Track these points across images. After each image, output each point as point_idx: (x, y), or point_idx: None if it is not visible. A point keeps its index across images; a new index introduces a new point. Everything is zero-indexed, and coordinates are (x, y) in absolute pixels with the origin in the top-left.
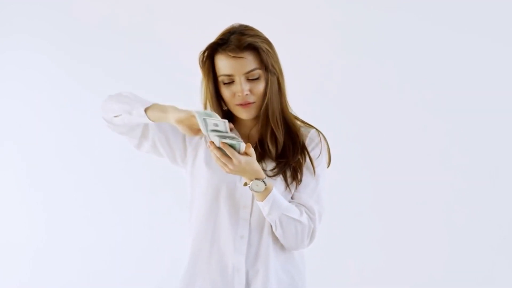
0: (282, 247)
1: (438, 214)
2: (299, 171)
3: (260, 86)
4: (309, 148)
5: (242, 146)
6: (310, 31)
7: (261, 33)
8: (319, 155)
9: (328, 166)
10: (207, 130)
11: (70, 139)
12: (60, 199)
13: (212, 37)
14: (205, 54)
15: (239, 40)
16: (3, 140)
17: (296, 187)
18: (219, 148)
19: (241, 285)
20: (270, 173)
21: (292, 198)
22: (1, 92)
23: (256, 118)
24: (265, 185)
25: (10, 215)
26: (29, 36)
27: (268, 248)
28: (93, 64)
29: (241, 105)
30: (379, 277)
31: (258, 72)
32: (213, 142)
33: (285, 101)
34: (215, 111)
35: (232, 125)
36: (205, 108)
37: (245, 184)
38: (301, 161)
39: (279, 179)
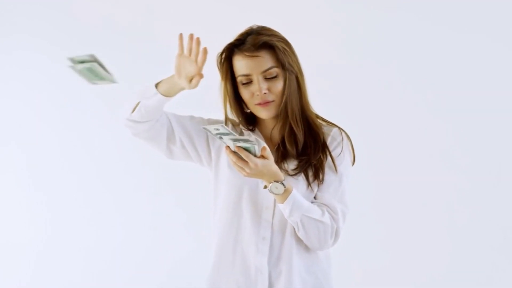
0: (306, 248)
1: (439, 215)
2: (321, 170)
3: (278, 85)
4: (331, 147)
5: (258, 148)
6: (310, 31)
7: (278, 33)
8: (340, 153)
9: (353, 164)
10: (215, 136)
11: (71, 140)
12: (62, 200)
13: (213, 37)
14: (223, 55)
15: (255, 39)
16: (4, 140)
17: (318, 186)
18: (235, 152)
19: (264, 286)
20: (292, 172)
21: (315, 198)
22: (2, 92)
23: (277, 117)
24: (284, 187)
25: (12, 215)
26: (29, 36)
27: (291, 249)
28: None
29: (260, 104)
30: (381, 278)
31: (276, 70)
32: (228, 147)
33: (306, 99)
34: (235, 113)
35: (248, 131)
36: (225, 110)
37: (265, 187)
38: (323, 159)
39: (301, 178)
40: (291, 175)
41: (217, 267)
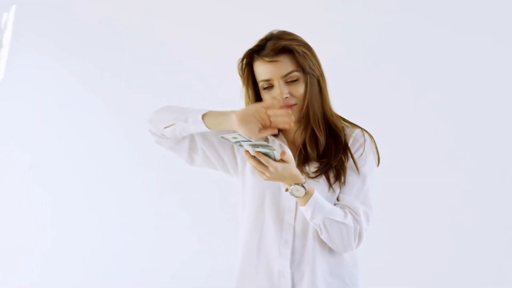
0: (330, 251)
1: (443, 216)
2: (342, 171)
3: (299, 88)
4: (353, 148)
5: (277, 153)
6: (310, 32)
7: (299, 37)
8: (362, 154)
9: (378, 165)
10: (235, 144)
11: (75, 141)
12: (66, 201)
13: (214, 37)
14: (244, 61)
15: (274, 44)
16: (8, 141)
17: (340, 188)
18: (255, 157)
19: None
20: (313, 175)
21: (337, 199)
22: (5, 93)
23: (299, 121)
24: (305, 189)
25: (16, 217)
26: (34, 37)
27: (314, 252)
28: (97, 64)
29: (281, 108)
30: (384, 279)
31: (296, 74)
32: (248, 151)
33: (327, 102)
34: None
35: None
36: None
37: (286, 190)
38: (344, 161)
39: (322, 180)
40: (312, 178)
41: (243, 270)
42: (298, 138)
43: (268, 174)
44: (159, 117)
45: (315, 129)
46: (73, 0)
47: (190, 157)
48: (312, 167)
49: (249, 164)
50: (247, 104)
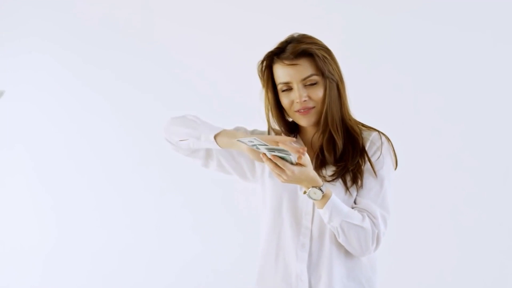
0: (348, 254)
1: (446, 216)
2: (359, 175)
3: (318, 92)
4: (370, 152)
5: (293, 157)
6: (311, 32)
7: (319, 41)
8: (379, 157)
9: (395, 168)
10: (252, 148)
11: (79, 142)
12: (70, 202)
13: (215, 37)
14: (263, 64)
15: (294, 47)
16: (12, 142)
17: (357, 191)
18: (272, 160)
19: None
20: (329, 178)
21: (355, 203)
22: (10, 94)
23: (317, 124)
24: (323, 192)
25: (20, 218)
26: (38, 38)
27: (331, 256)
28: (100, 65)
29: (299, 111)
30: (387, 280)
31: (315, 78)
32: (265, 154)
33: (346, 107)
34: (276, 121)
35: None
36: (268, 118)
37: (304, 193)
38: (361, 164)
39: (339, 183)
40: (329, 181)
41: (261, 273)
42: (316, 142)
43: (285, 177)
44: (173, 129)
45: (333, 133)
46: (76, 0)
47: (206, 162)
48: (329, 171)
49: (267, 166)
50: (266, 106)
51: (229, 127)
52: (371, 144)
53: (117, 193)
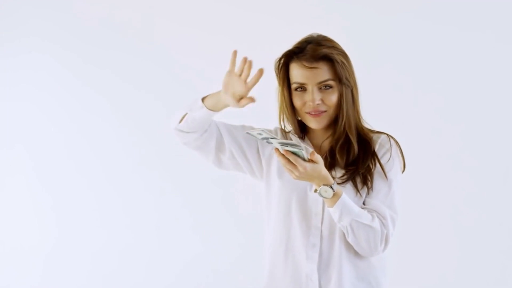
0: (357, 254)
1: (447, 216)
2: (369, 177)
3: (332, 97)
4: (379, 154)
5: (305, 153)
6: (310, 33)
7: (338, 45)
8: (389, 159)
9: (403, 170)
10: (262, 141)
11: (79, 142)
12: (70, 202)
13: (215, 37)
14: (281, 61)
15: (314, 50)
16: (12, 142)
17: (368, 193)
18: (284, 156)
19: None
20: (339, 180)
21: (364, 204)
22: (10, 94)
23: (329, 128)
24: (334, 190)
25: (20, 218)
26: (38, 39)
27: (340, 255)
28: (100, 65)
29: (310, 113)
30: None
31: (331, 83)
32: (278, 149)
33: (358, 113)
34: (288, 119)
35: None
36: (280, 115)
37: (315, 191)
38: (371, 167)
39: (349, 185)
40: (338, 183)
41: (271, 275)
42: (327, 145)
43: (297, 173)
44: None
45: (351, 138)
46: (76, 0)
47: (218, 158)
48: (338, 173)
49: (277, 164)
50: (281, 104)
51: None
52: (380, 146)
53: (117, 193)
